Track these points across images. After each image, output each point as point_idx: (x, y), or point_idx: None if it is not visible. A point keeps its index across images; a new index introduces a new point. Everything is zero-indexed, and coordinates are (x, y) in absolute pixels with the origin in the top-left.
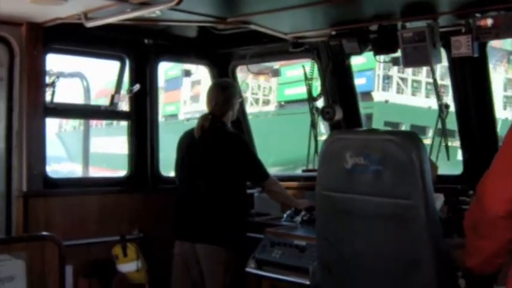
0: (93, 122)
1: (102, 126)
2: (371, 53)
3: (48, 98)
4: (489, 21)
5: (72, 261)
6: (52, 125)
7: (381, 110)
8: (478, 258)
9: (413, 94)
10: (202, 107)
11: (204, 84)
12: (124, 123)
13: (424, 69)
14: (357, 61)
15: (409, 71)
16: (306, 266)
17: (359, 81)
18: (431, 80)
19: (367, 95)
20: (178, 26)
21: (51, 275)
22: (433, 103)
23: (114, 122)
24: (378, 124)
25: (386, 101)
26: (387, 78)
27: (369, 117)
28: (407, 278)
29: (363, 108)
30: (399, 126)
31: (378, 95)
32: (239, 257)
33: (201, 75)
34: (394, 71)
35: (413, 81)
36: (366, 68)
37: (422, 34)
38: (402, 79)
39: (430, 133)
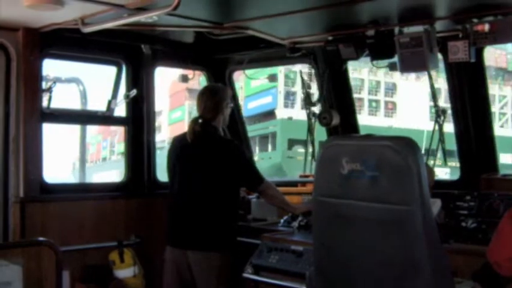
0: (92, 158)
1: (100, 162)
2: (276, 68)
3: (45, 103)
4: (486, 27)
5: (69, 267)
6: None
7: (285, 127)
8: (508, 253)
9: None
10: (163, 136)
11: (164, 115)
12: (118, 158)
13: None
14: (262, 80)
15: (314, 86)
16: (303, 271)
17: (265, 100)
18: None
19: (272, 113)
20: (175, 32)
21: (48, 280)
22: None
23: (107, 157)
24: (282, 142)
25: (290, 118)
26: (292, 94)
27: (274, 135)
28: (404, 283)
29: (271, 126)
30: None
31: (281, 113)
32: (232, 262)
33: (161, 107)
34: (298, 86)
35: None
36: (271, 86)
37: (419, 39)
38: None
39: None
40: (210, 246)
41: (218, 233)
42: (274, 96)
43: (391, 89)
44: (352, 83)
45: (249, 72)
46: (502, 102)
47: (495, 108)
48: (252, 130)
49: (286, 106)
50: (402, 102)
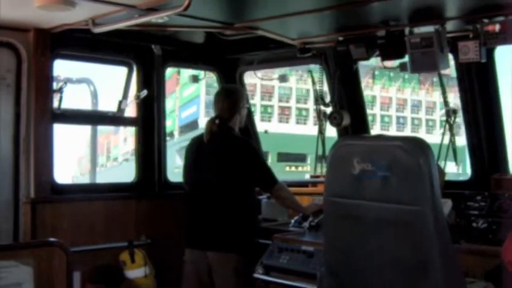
0: (85, 170)
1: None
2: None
3: (55, 104)
4: (497, 27)
5: (80, 268)
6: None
7: None
8: None
9: (262, 120)
10: (129, 147)
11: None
12: (101, 169)
13: (258, 93)
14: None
15: (257, 96)
16: (314, 272)
17: (191, 111)
18: (268, 103)
19: (195, 123)
20: (186, 32)
21: (58, 281)
22: (270, 126)
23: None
24: None
25: None
26: None
27: None
28: (415, 284)
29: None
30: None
31: (203, 122)
32: (250, 262)
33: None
34: None
35: (266, 106)
36: (196, 95)
37: (429, 39)
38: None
39: (270, 158)
40: (229, 247)
41: (237, 233)
42: (198, 106)
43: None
44: (281, 91)
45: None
46: (443, 109)
47: (436, 115)
48: (175, 143)
49: (208, 116)
50: None
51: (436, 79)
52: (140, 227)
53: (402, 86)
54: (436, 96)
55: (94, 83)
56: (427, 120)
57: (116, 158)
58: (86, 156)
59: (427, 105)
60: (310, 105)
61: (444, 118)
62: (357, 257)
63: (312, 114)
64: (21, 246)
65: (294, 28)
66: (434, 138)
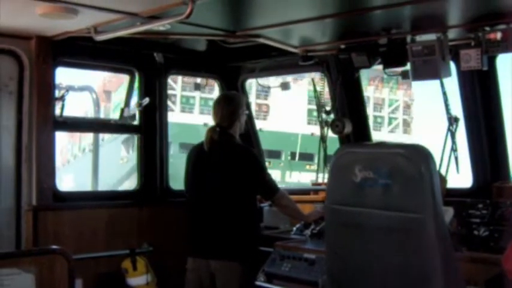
0: (64, 161)
1: (67, 164)
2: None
3: (57, 111)
4: (498, 35)
5: (82, 275)
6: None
7: None
8: None
9: (183, 111)
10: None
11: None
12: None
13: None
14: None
15: (178, 87)
16: (316, 280)
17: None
18: (208, 96)
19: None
20: (188, 40)
21: None
22: (208, 119)
23: (70, 160)
24: None
25: None
26: None
27: None
28: None
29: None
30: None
31: None
32: (252, 270)
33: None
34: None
35: (187, 97)
36: None
37: (431, 47)
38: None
39: None
40: (232, 256)
41: (240, 242)
42: None
43: (265, 91)
44: None
45: None
46: (392, 106)
47: (384, 112)
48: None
49: None
50: (276, 104)
51: (386, 76)
52: (142, 234)
53: None
54: (386, 92)
55: (96, 91)
56: (375, 117)
57: (84, 149)
58: (65, 146)
59: (375, 102)
60: (252, 99)
61: (393, 116)
62: (358, 264)
63: (253, 108)
64: (23, 254)
65: (296, 36)
66: (382, 135)
